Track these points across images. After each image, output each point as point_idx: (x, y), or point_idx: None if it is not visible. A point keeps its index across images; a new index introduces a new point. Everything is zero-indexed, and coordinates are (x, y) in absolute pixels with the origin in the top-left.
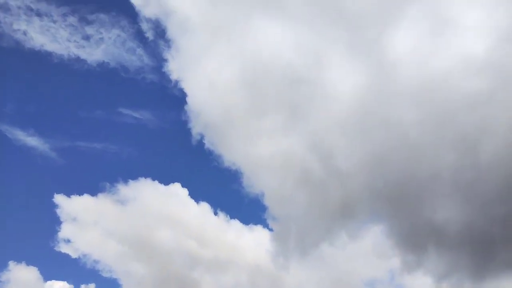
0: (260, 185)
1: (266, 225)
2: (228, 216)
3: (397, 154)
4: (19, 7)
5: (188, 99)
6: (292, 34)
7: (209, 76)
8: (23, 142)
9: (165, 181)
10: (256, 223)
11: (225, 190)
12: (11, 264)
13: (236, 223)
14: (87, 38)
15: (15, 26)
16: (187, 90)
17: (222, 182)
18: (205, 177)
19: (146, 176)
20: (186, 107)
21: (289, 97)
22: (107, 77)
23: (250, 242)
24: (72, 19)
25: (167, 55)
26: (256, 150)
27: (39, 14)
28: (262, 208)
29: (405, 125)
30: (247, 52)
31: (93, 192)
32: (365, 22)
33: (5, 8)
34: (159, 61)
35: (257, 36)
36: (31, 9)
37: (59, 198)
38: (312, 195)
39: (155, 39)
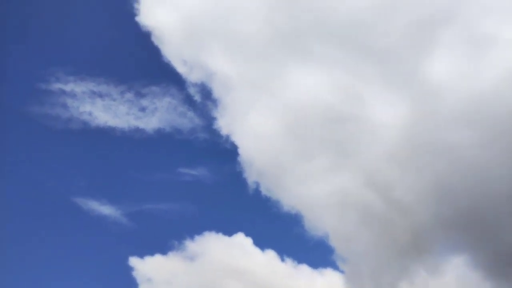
0: (323, 227)
1: (336, 268)
2: (296, 261)
3: (461, 178)
4: (83, 92)
5: (239, 151)
6: (327, 76)
7: (256, 127)
8: (98, 212)
9: (229, 232)
10: (325, 266)
11: (289, 235)
12: None
13: (304, 268)
14: (143, 109)
15: (81, 109)
16: (237, 143)
17: (284, 227)
18: (267, 224)
19: (210, 230)
20: (239, 159)
21: (334, 136)
22: (164, 141)
23: (323, 287)
24: (129, 95)
25: (215, 113)
26: (311, 191)
27: (101, 95)
28: (329, 250)
29: (462, 148)
30: (287, 100)
31: (164, 251)
32: (398, 55)
33: (72, 95)
34: (209, 120)
35: (294, 84)
36: (94, 92)
37: (133, 261)
38: (378, 231)
39: (202, 100)
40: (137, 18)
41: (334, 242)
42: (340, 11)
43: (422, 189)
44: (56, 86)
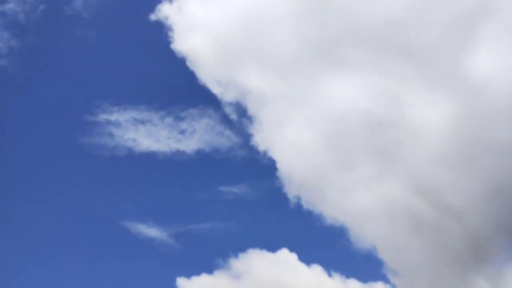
0: (370, 238)
1: (387, 281)
2: (344, 276)
3: None
4: (127, 120)
5: (278, 166)
6: (363, 82)
7: (294, 141)
8: (145, 234)
9: (273, 248)
10: (375, 280)
11: (334, 249)
12: None
13: (354, 282)
14: (182, 132)
15: (126, 136)
16: (275, 157)
17: (329, 241)
18: (310, 238)
19: (254, 247)
20: (278, 174)
21: (375, 143)
22: (204, 161)
23: None
24: (168, 120)
25: (251, 130)
26: (355, 202)
27: (143, 122)
28: (379, 263)
29: None
30: (323, 110)
31: (210, 271)
32: (437, 53)
33: (116, 124)
34: (246, 137)
35: (328, 93)
36: (136, 119)
37: (180, 281)
38: (430, 240)
39: (238, 119)
40: (172, 46)
41: (383, 254)
42: (372, 15)
43: (476, 192)
44: (102, 117)
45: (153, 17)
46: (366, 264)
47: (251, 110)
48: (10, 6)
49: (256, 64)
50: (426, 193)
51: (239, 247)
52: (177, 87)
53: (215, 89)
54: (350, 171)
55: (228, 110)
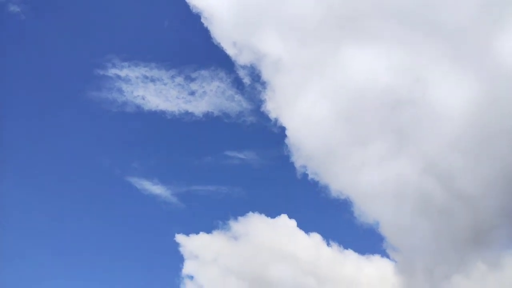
0: (373, 214)
1: (385, 255)
2: (342, 246)
3: None
4: (137, 77)
5: (288, 134)
6: (386, 56)
7: (307, 111)
8: (150, 191)
9: (272, 214)
10: (373, 253)
11: (336, 220)
12: None
13: (351, 253)
14: (192, 93)
15: (135, 93)
16: (286, 126)
17: (332, 212)
18: (313, 208)
19: (254, 211)
20: (287, 142)
21: (392, 121)
22: (212, 125)
23: (371, 275)
24: (179, 79)
25: (264, 96)
26: (364, 178)
27: (153, 80)
28: (379, 238)
29: None
30: (341, 82)
31: (208, 230)
32: (468, 33)
33: (126, 80)
34: (257, 103)
35: (349, 65)
36: (147, 77)
37: (179, 238)
38: (436, 222)
39: (251, 83)
40: (188, 0)
41: (385, 231)
42: None
43: (488, 179)
44: (112, 71)
45: None
46: (366, 238)
47: (266, 75)
48: None
49: (276, 28)
50: (438, 175)
51: (240, 211)
52: (190, 45)
53: (230, 50)
54: (362, 147)
55: (241, 73)
